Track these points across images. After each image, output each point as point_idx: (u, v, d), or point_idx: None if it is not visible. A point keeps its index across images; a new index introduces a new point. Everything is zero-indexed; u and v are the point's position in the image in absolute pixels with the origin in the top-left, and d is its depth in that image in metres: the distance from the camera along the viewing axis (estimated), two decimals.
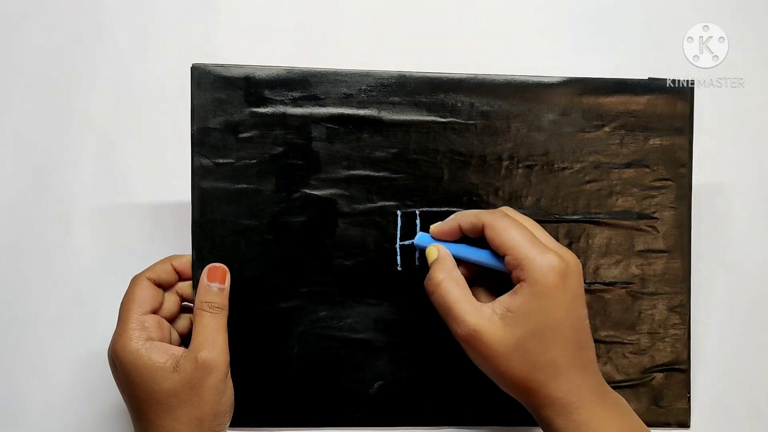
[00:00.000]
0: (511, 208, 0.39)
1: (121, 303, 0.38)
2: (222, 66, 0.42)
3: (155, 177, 0.47)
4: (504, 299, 0.36)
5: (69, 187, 0.47)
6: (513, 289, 0.35)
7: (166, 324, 0.39)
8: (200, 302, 0.38)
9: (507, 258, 0.36)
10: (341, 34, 0.49)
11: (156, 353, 0.36)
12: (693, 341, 0.45)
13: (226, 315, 0.39)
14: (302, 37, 0.49)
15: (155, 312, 0.39)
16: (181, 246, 0.42)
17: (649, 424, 0.44)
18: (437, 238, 0.40)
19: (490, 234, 0.37)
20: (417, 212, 0.43)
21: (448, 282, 0.37)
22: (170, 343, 0.39)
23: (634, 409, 0.44)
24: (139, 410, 0.37)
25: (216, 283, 0.39)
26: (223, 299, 0.39)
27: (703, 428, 0.46)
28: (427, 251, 0.40)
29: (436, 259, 0.39)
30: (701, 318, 0.47)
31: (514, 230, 0.36)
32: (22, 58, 0.48)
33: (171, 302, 0.40)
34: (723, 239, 0.49)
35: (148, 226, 0.47)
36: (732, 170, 0.49)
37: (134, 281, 0.39)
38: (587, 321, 0.36)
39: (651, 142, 0.44)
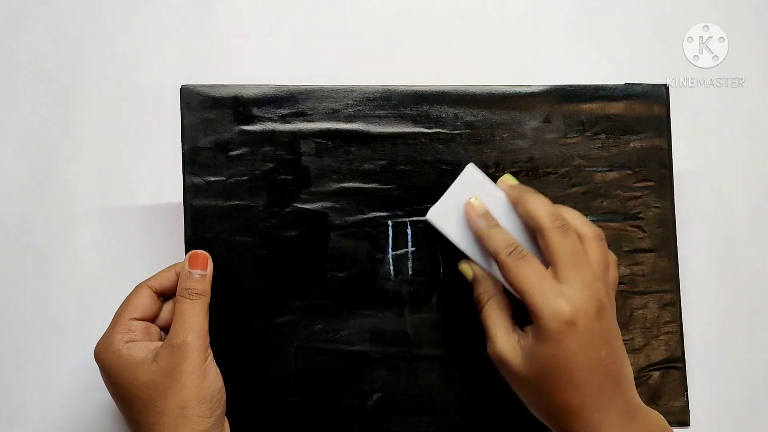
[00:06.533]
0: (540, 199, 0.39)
1: (117, 309, 0.38)
2: (210, 86, 0.43)
3: (155, 177, 0.47)
4: (524, 334, 0.37)
5: (69, 188, 0.47)
6: (530, 326, 0.37)
7: (155, 330, 0.39)
8: (181, 289, 0.38)
9: (521, 299, 0.36)
10: (329, 53, 0.50)
11: (136, 350, 0.36)
12: (689, 339, 0.45)
13: (207, 301, 0.39)
14: (292, 56, 0.50)
15: (151, 320, 0.39)
16: (182, 246, 0.42)
17: None
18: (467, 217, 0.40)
19: (505, 275, 0.38)
20: (408, 222, 0.43)
21: (490, 304, 0.39)
22: None
23: None
24: (126, 411, 0.36)
25: (197, 270, 0.39)
26: (204, 285, 0.39)
27: (703, 426, 0.46)
28: (462, 268, 0.40)
29: (476, 279, 0.40)
30: (696, 315, 0.47)
31: (526, 270, 0.36)
32: (23, 59, 0.48)
33: (168, 312, 0.40)
34: (723, 239, 0.49)
35: (149, 227, 0.47)
36: (732, 170, 0.50)
37: (135, 289, 0.39)
38: (614, 359, 0.36)
39: (632, 144, 0.45)
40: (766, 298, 0.49)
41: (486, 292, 0.39)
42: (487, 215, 0.39)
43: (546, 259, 0.37)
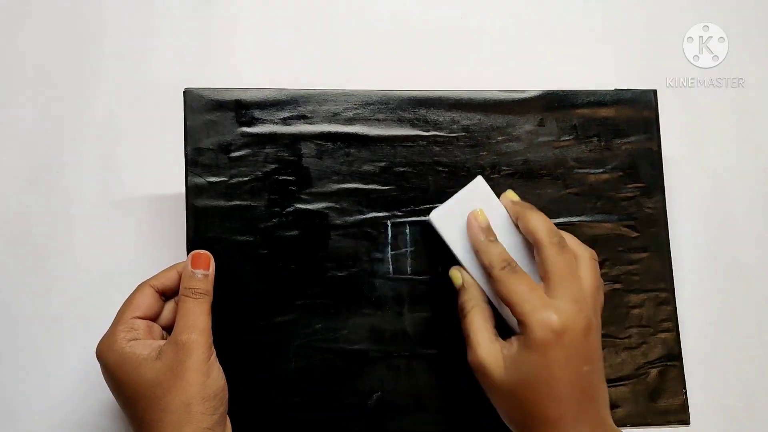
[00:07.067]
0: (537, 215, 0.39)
1: (119, 308, 0.38)
2: (213, 90, 0.44)
3: (156, 175, 0.48)
4: (508, 343, 0.37)
5: (70, 187, 0.47)
6: (515, 335, 0.37)
7: (157, 329, 0.39)
8: (184, 288, 0.39)
9: (511, 310, 0.37)
10: (330, 57, 0.51)
11: (140, 348, 0.37)
12: (689, 338, 0.45)
13: (210, 300, 0.39)
14: (293, 60, 0.51)
15: (153, 319, 0.39)
16: (184, 245, 0.42)
17: (649, 424, 0.45)
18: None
19: (496, 288, 0.38)
20: (406, 222, 0.44)
21: (475, 311, 0.39)
22: None
23: (631, 409, 0.44)
24: (129, 410, 0.36)
25: (200, 270, 0.39)
26: (206, 285, 0.39)
27: (703, 424, 0.46)
28: (452, 274, 0.41)
29: (464, 286, 0.40)
30: (694, 313, 0.48)
31: (517, 283, 0.37)
32: (26, 59, 0.49)
33: (170, 311, 0.40)
34: (723, 239, 0.49)
35: (150, 227, 0.47)
36: (732, 170, 0.50)
37: (137, 288, 0.39)
38: (594, 376, 0.36)
39: (623, 147, 0.46)
40: (764, 296, 0.49)
41: (472, 300, 0.40)
42: (488, 229, 0.40)
43: (540, 273, 0.38)
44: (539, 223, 0.39)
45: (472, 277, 0.40)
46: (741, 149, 0.51)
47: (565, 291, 0.36)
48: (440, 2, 0.53)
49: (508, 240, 0.40)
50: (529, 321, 0.36)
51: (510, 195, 0.42)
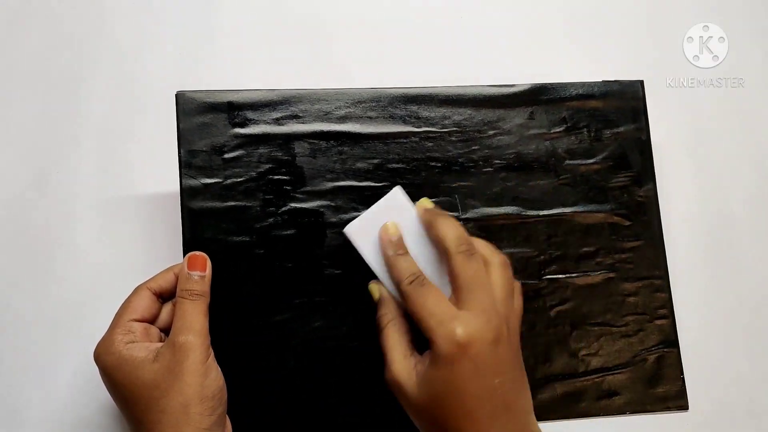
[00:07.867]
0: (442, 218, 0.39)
1: (117, 310, 0.38)
2: (205, 92, 0.44)
3: (154, 175, 0.48)
4: (423, 358, 0.37)
5: (70, 187, 0.47)
6: (427, 351, 0.36)
7: (155, 331, 0.39)
8: (181, 290, 0.39)
9: (418, 325, 0.37)
10: (320, 58, 0.52)
11: (137, 350, 0.36)
12: (684, 323, 0.46)
13: (207, 301, 0.39)
14: (285, 59, 0.51)
15: (150, 322, 0.39)
16: (180, 245, 0.42)
17: (648, 410, 0.45)
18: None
19: (405, 303, 0.38)
20: None
21: (390, 327, 0.39)
22: None
23: (630, 397, 0.45)
24: (128, 412, 0.36)
25: (196, 272, 0.39)
26: (203, 287, 0.39)
27: (702, 409, 0.46)
28: (370, 288, 0.41)
29: (380, 300, 0.40)
30: (690, 300, 0.48)
31: (424, 297, 0.37)
32: (23, 58, 0.49)
33: (167, 313, 0.40)
34: (723, 238, 0.50)
35: (150, 227, 0.47)
36: (731, 169, 0.50)
37: (134, 290, 0.39)
38: (505, 387, 0.35)
39: (613, 137, 0.47)
40: (758, 280, 0.50)
41: (387, 315, 0.39)
42: (398, 242, 0.39)
43: (450, 283, 0.37)
44: (447, 230, 0.38)
45: (389, 292, 0.40)
46: (740, 149, 0.51)
47: (473, 301, 0.36)
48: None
49: (423, 251, 0.39)
50: (435, 335, 0.35)
51: (424, 203, 0.41)
